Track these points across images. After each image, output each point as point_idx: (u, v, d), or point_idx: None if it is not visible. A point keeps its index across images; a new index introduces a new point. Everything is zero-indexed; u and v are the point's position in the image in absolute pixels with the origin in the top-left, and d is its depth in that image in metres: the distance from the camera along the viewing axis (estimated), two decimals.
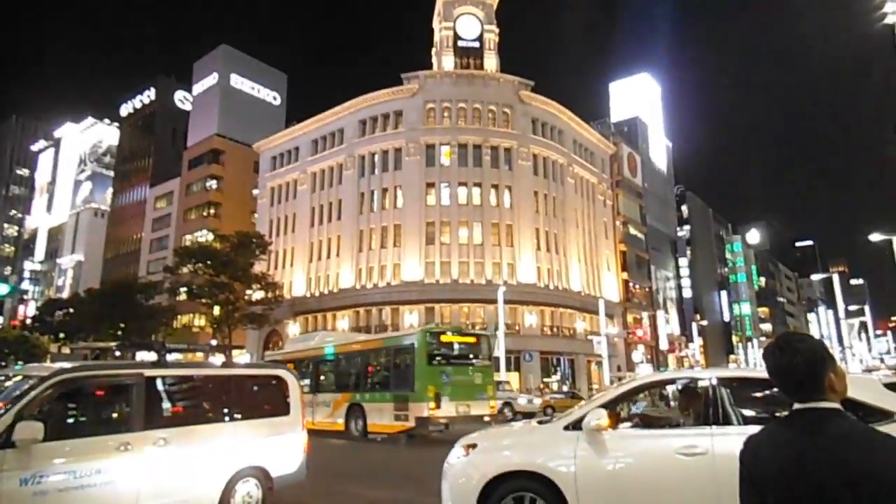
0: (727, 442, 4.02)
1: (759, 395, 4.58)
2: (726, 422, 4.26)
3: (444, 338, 15.94)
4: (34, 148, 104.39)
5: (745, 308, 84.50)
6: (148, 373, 5.51)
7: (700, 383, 4.60)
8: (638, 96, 73.69)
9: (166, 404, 5.71)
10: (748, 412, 4.38)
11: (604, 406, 4.63)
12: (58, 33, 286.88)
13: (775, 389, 4.46)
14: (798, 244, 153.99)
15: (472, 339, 16.68)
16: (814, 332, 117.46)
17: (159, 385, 5.61)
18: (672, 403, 5.62)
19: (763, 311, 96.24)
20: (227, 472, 5.82)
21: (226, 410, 6.18)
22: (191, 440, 5.58)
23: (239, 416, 6.17)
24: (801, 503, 1.48)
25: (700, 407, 4.48)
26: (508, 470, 4.69)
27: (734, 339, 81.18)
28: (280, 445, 6.36)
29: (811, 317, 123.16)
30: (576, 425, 4.61)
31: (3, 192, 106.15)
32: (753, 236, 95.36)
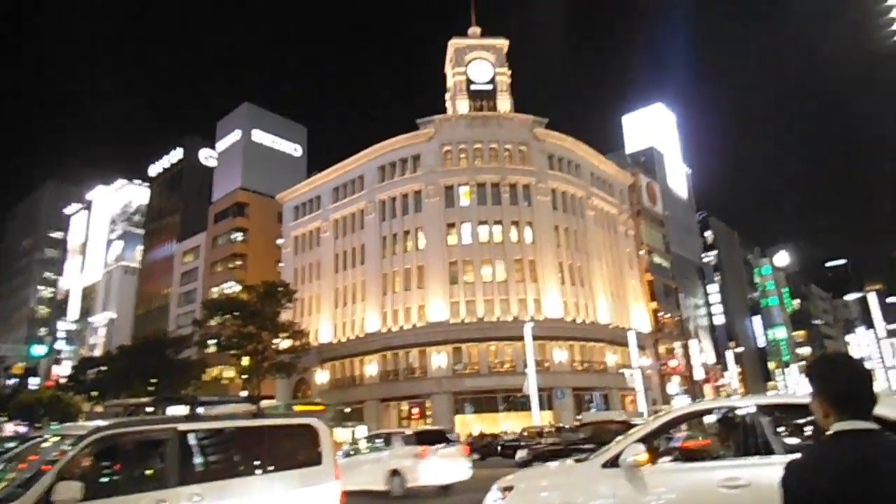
0: (770, 472, 3.90)
1: (801, 421, 4.47)
2: (768, 451, 4.15)
3: None
4: (67, 211, 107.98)
5: (780, 332, 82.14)
6: (181, 427, 5.50)
7: (738, 412, 4.51)
8: (653, 126, 73.99)
9: (199, 459, 5.66)
10: (790, 440, 4.27)
11: (641, 440, 4.55)
12: (88, 100, 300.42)
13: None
14: (829, 264, 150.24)
15: None
16: (853, 353, 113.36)
17: (192, 439, 5.58)
18: (714, 435, 5.49)
19: (799, 334, 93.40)
20: None
21: (258, 462, 6.09)
22: (225, 494, 5.51)
23: (271, 467, 6.07)
24: None
25: (740, 437, 4.38)
26: None
27: (771, 364, 78.74)
28: (314, 497, 6.27)
29: (850, 338, 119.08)
30: (614, 462, 4.52)
31: (37, 255, 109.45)
32: (782, 258, 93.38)
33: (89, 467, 4.97)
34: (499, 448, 27.79)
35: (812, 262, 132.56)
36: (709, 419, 5.43)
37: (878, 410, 1.67)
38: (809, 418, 4.36)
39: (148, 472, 5.47)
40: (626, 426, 15.69)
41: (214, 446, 5.96)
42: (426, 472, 14.05)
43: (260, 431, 6.41)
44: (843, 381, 1.64)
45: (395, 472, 13.74)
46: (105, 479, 5.21)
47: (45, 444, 5.25)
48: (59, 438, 5.21)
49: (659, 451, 4.77)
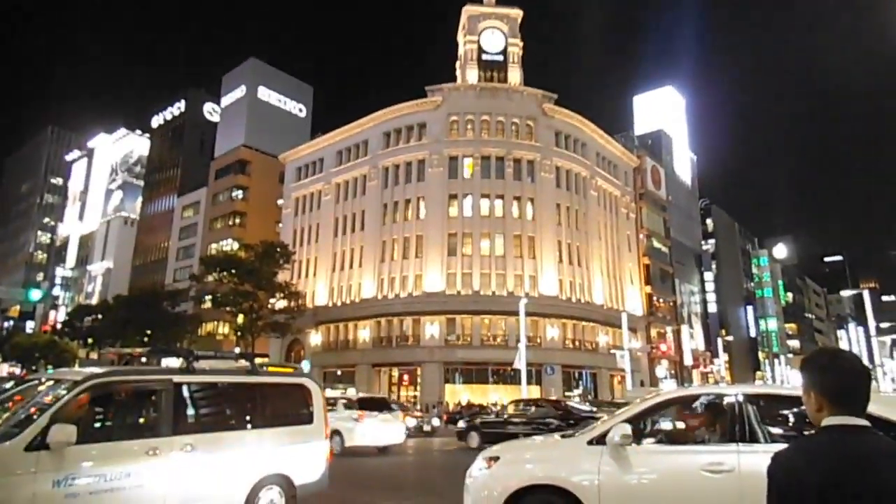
0: (754, 459, 3.97)
1: (786, 412, 4.53)
2: (753, 439, 4.21)
3: None
4: (68, 158, 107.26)
5: (772, 324, 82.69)
6: (177, 379, 5.55)
7: (726, 399, 4.55)
8: (662, 109, 73.13)
9: (193, 411, 5.73)
10: (775, 430, 4.33)
11: (628, 421, 4.61)
12: (92, 47, 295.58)
13: (803, 407, 4.40)
14: (827, 259, 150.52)
15: None
16: (843, 349, 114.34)
17: (187, 391, 5.64)
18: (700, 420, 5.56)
19: (791, 327, 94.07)
20: (252, 479, 5.85)
21: (250, 418, 6.19)
22: (216, 447, 5.61)
23: (263, 423, 6.16)
24: None
25: (726, 423, 4.43)
26: (531, 483, 4.68)
27: (760, 355, 79.47)
28: (303, 454, 6.37)
29: (841, 333, 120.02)
30: (600, 440, 4.58)
31: (37, 200, 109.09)
32: (780, 251, 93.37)
33: (84, 412, 5.03)
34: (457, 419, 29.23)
35: (809, 256, 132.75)
36: (696, 404, 5.50)
37: (869, 408, 1.68)
38: (795, 410, 4.42)
39: (142, 420, 5.55)
40: (564, 411, 17.10)
41: (208, 400, 6.03)
42: (362, 434, 15.77)
43: (253, 388, 6.41)
44: (843, 376, 1.63)
45: (335, 432, 14.74)
46: (99, 425, 5.30)
47: (40, 388, 5.28)
48: (54, 382, 5.25)
49: (645, 431, 4.85)
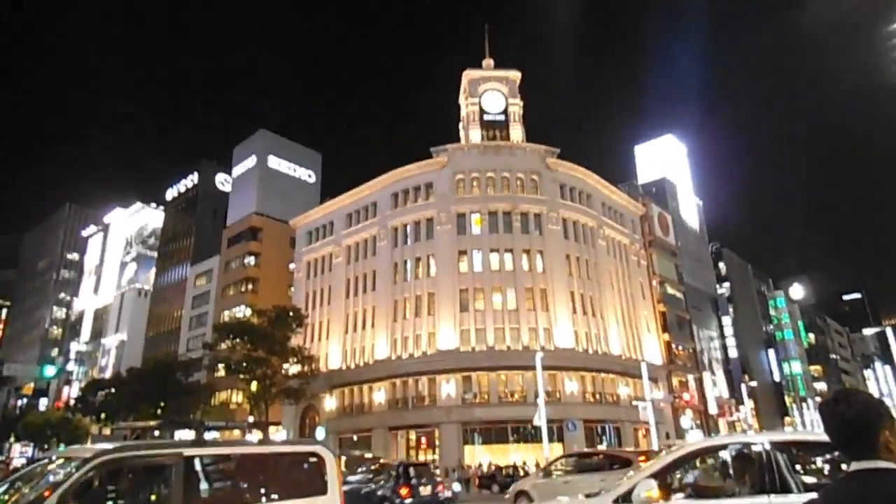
0: None
1: (818, 458, 4.37)
2: (784, 489, 4.04)
3: None
4: (84, 233, 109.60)
5: (796, 366, 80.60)
6: (187, 452, 5.42)
7: (754, 448, 4.41)
8: (664, 157, 74.11)
9: (205, 485, 5.60)
10: (808, 478, 4.16)
11: (653, 476, 4.45)
12: (107, 124, 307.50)
13: (836, 453, 4.27)
14: (845, 297, 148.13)
15: None
16: (872, 389, 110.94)
17: (198, 465, 5.52)
18: (728, 471, 5.36)
19: (815, 369, 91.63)
20: None
21: (264, 490, 6.01)
22: None
23: (277, 495, 5.97)
24: None
25: (755, 474, 4.27)
26: None
27: (787, 399, 77.13)
28: None
29: (868, 373, 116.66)
30: (626, 497, 4.42)
31: (54, 276, 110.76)
32: (797, 291, 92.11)
33: (93, 491, 4.92)
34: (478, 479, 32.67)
35: (827, 295, 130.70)
36: (724, 455, 5.31)
37: None
38: (827, 456, 4.25)
39: (152, 497, 5.43)
40: (605, 456, 16.60)
41: (220, 472, 5.91)
42: None
43: (265, 458, 6.29)
44: (843, 423, 1.62)
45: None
46: (110, 503, 5.18)
47: (50, 466, 5.21)
48: (64, 460, 5.19)
49: (672, 487, 4.67)
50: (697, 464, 5.09)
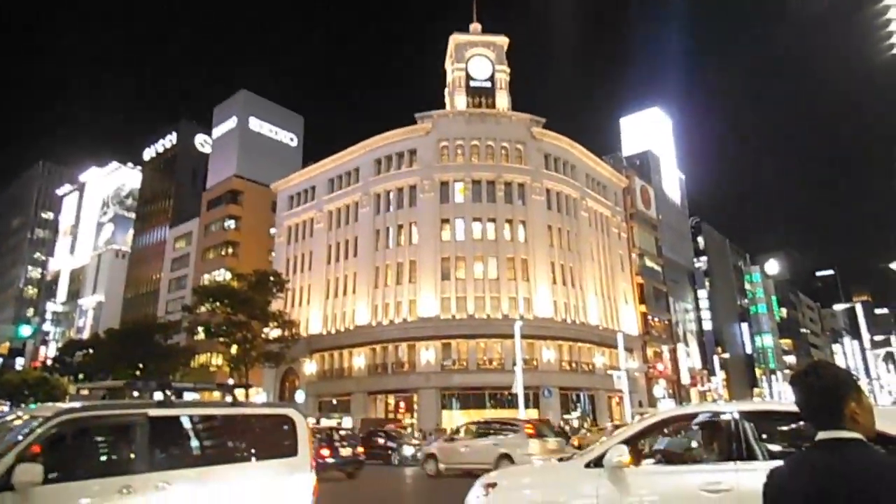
0: (752, 477, 3.93)
1: (784, 428, 4.52)
2: (751, 457, 4.18)
3: None
4: (59, 192, 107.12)
5: (768, 340, 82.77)
6: (153, 412, 5.30)
7: (723, 417, 4.54)
8: (649, 130, 74.17)
9: (170, 445, 5.51)
10: (774, 446, 4.31)
11: (625, 442, 4.58)
12: (83, 81, 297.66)
13: (802, 422, 4.42)
14: (819, 274, 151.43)
15: None
16: (839, 363, 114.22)
17: (163, 426, 5.39)
18: (697, 439, 5.54)
19: (786, 342, 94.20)
20: None
21: (231, 452, 5.96)
22: (196, 482, 5.32)
23: (245, 457, 5.92)
24: None
25: (723, 442, 4.41)
26: None
27: (757, 371, 79.39)
28: (287, 488, 6.05)
29: (836, 348, 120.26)
30: (597, 462, 4.54)
31: (28, 235, 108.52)
32: (772, 267, 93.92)
33: (54, 450, 4.80)
34: None
35: (801, 271, 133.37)
36: (693, 424, 5.48)
37: (879, 426, 1.70)
38: (792, 425, 4.40)
39: (114, 457, 5.33)
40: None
41: (186, 433, 5.77)
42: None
43: (234, 420, 6.21)
44: (811, 393, 1.70)
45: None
46: (69, 463, 5.02)
47: (14, 424, 5.11)
48: (28, 419, 5.07)
49: (643, 453, 4.81)
50: (665, 431, 5.24)
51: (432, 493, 15.07)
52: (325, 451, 16.63)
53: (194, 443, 5.79)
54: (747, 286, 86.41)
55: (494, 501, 4.87)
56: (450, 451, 17.79)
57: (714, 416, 4.73)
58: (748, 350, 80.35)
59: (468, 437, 17.89)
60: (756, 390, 75.15)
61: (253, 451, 6.05)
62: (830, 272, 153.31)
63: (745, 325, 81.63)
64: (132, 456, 5.12)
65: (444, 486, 15.37)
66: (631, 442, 4.62)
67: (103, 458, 5.33)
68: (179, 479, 5.21)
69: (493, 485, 5.02)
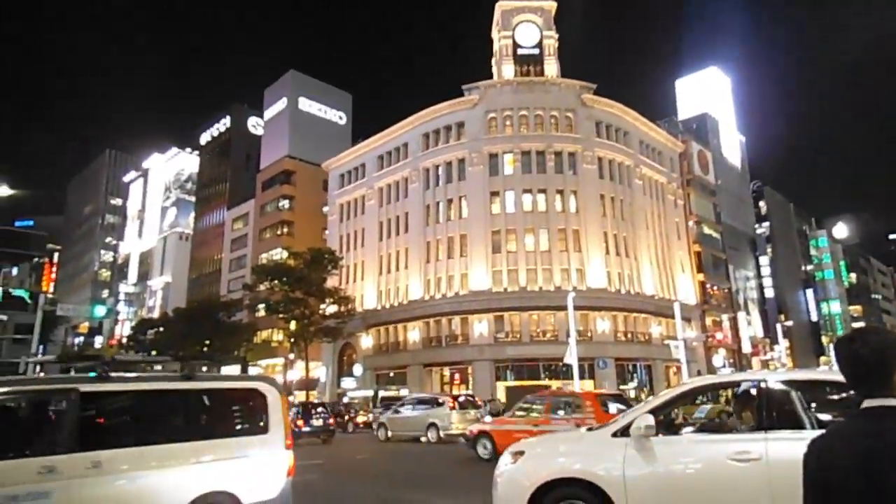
0: (781, 447, 3.90)
1: (818, 398, 4.39)
2: (781, 426, 4.13)
3: None
4: (125, 179, 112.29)
5: (835, 307, 79.13)
6: (85, 388, 4.79)
7: (751, 387, 4.49)
8: (706, 91, 71.03)
9: (107, 423, 5.14)
10: (811, 415, 4.20)
11: (652, 411, 4.57)
12: (141, 71, 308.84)
13: (836, 392, 4.33)
14: (893, 236, 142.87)
15: None
16: (870, 328, 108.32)
17: (98, 401, 4.97)
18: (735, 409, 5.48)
19: (855, 309, 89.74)
20: (184, 498, 5.01)
21: (185, 429, 5.42)
22: (136, 464, 4.87)
23: (202, 435, 5.40)
24: (861, 501, 1.42)
25: (754, 411, 4.36)
26: (557, 477, 4.69)
27: (824, 339, 76.18)
28: (255, 468, 5.53)
29: None
30: (624, 431, 4.55)
31: (99, 221, 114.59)
32: (841, 230, 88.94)
33: None
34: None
35: (873, 234, 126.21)
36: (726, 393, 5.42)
37: None
38: (825, 395, 4.28)
39: (38, 435, 4.88)
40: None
41: (128, 410, 5.33)
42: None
43: (188, 395, 5.54)
44: (855, 360, 1.62)
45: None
46: None
47: None
48: None
49: (674, 422, 4.81)
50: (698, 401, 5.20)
51: (383, 449, 19.25)
52: (300, 422, 20.64)
53: (139, 420, 5.34)
54: (813, 251, 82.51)
55: (522, 469, 4.96)
56: (395, 421, 21.68)
57: (746, 385, 4.66)
58: (814, 318, 77.09)
59: (409, 410, 21.57)
60: (823, 359, 72.22)
61: (212, 428, 5.60)
62: None
63: (810, 292, 78.20)
64: (58, 434, 4.71)
65: (391, 446, 20.03)
66: (658, 412, 4.62)
67: (25, 436, 4.85)
68: (116, 458, 4.78)
69: (521, 452, 5.12)
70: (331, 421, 22.28)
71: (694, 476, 4.30)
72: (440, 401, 20.88)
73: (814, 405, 4.22)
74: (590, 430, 5.42)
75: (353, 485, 11.36)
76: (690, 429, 4.84)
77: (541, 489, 4.66)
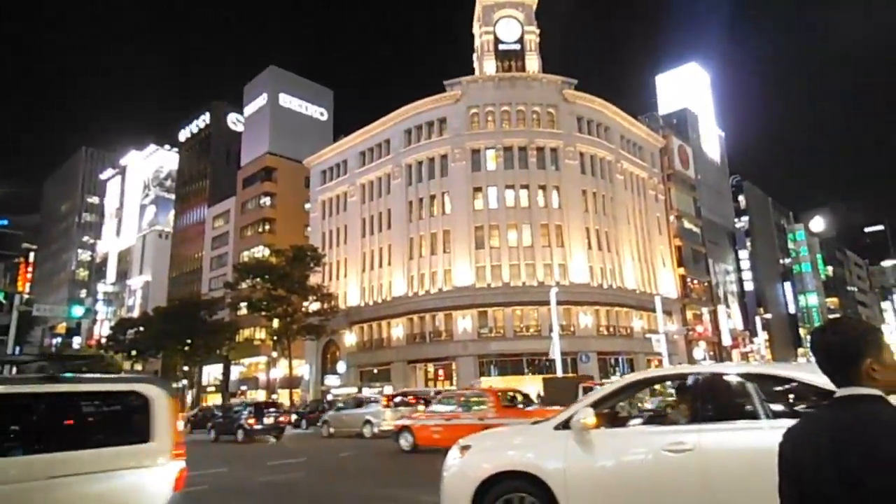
0: (714, 437, 4.03)
1: (765, 391, 4.44)
2: (715, 418, 4.23)
3: None
4: (103, 176, 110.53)
5: (812, 299, 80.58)
6: None
7: (689, 380, 4.60)
8: (686, 87, 71.75)
9: None
10: (743, 409, 4.27)
11: (593, 405, 4.66)
12: (117, 67, 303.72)
13: (778, 386, 4.39)
14: (868, 230, 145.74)
15: None
16: (889, 320, 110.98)
17: None
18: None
19: (832, 301, 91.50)
20: None
21: (40, 439, 4.67)
22: None
23: (62, 445, 4.61)
24: (830, 488, 1.45)
25: (690, 404, 4.48)
26: (501, 470, 4.75)
27: (802, 331, 77.57)
28: (130, 483, 4.79)
29: (885, 305, 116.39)
30: (565, 424, 4.63)
31: (76, 219, 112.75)
32: (818, 224, 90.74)
33: None
34: None
35: (849, 227, 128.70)
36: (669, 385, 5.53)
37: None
38: (770, 387, 4.34)
39: None
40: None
41: None
42: None
43: (43, 398, 4.76)
44: (825, 351, 1.65)
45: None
46: None
47: None
48: None
49: (617, 415, 4.91)
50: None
51: (323, 445, 20.14)
52: (252, 420, 22.77)
53: None
54: (791, 245, 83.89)
55: (468, 462, 5.02)
56: (337, 419, 23.31)
57: (685, 378, 4.75)
58: (791, 310, 78.46)
59: (348, 408, 23.31)
60: (801, 350, 73.57)
61: (78, 437, 4.84)
62: (880, 227, 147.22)
63: (788, 285, 79.53)
64: None
65: (332, 441, 21.06)
66: (598, 405, 4.71)
67: None
68: None
69: (468, 447, 5.17)
70: (282, 419, 24.28)
71: (631, 467, 4.38)
72: (376, 400, 23.00)
73: (756, 399, 4.25)
74: (535, 423, 5.51)
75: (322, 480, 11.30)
76: (638, 420, 4.93)
77: (487, 482, 4.72)
